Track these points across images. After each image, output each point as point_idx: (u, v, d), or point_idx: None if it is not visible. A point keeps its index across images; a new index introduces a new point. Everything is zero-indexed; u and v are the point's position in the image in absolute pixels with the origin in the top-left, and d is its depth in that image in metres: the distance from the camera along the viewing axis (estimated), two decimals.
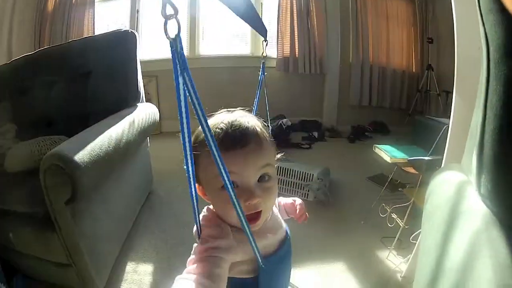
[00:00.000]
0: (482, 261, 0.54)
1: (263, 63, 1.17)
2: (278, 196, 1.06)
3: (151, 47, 4.36)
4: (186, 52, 4.64)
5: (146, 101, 2.59)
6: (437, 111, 4.18)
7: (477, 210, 0.61)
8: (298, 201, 1.14)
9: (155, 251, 2.11)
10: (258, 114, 1.02)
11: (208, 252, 0.75)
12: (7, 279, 1.55)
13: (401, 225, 1.99)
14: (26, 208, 1.54)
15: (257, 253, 0.79)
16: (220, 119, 0.83)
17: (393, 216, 2.10)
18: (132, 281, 1.84)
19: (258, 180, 0.82)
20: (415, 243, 1.70)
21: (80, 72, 2.34)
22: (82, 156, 1.44)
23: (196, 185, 0.78)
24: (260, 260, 0.81)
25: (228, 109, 0.89)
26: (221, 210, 0.84)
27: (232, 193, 0.69)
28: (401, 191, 2.35)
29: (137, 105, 2.38)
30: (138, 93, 2.45)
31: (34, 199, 1.50)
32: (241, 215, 0.70)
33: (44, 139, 1.86)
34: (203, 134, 0.70)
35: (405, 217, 1.99)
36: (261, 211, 0.82)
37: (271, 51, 4.85)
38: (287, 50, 4.70)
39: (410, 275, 1.82)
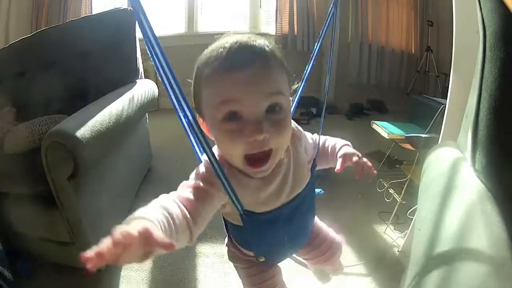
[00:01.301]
0: (476, 232, 0.57)
1: (331, 10, 0.96)
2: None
3: (150, 24, 4.32)
4: (184, 29, 4.63)
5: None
6: (435, 93, 4.16)
7: (471, 184, 0.64)
8: (349, 153, 0.95)
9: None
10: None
11: (193, 187, 0.72)
12: (11, 263, 1.57)
13: (398, 200, 2.02)
14: (27, 188, 1.56)
15: (237, 204, 0.76)
16: (227, 38, 0.71)
17: (390, 191, 2.13)
18: None
19: (266, 112, 0.69)
20: (412, 218, 1.72)
21: (79, 51, 2.34)
22: (83, 132, 1.46)
23: (201, 121, 0.76)
24: (242, 213, 0.78)
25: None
26: (222, 146, 0.74)
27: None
28: (398, 167, 2.38)
29: (136, 82, 2.38)
30: (137, 70, 2.45)
31: (36, 179, 1.51)
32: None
33: (44, 119, 1.86)
34: (200, 66, 0.71)
35: (402, 192, 2.02)
36: (271, 150, 0.71)
37: (270, 28, 4.81)
38: (286, 28, 4.66)
39: (407, 250, 1.84)
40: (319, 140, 0.96)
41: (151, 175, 2.78)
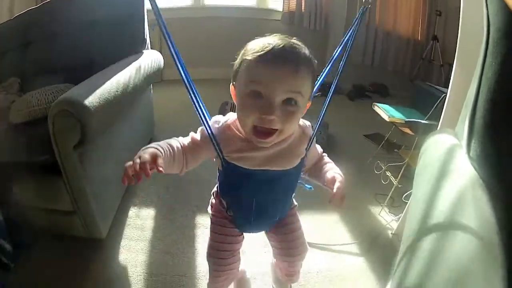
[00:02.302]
0: (466, 215, 0.60)
1: (363, 9, 1.13)
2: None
3: None
4: (190, 1, 4.58)
5: None
6: (438, 82, 4.16)
7: (465, 170, 0.66)
8: (339, 178, 1.04)
9: (156, 195, 2.19)
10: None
11: (192, 138, 0.99)
12: (10, 234, 1.58)
13: (394, 183, 2.06)
14: (32, 157, 1.56)
15: (219, 153, 0.97)
16: (277, 38, 0.87)
17: (387, 174, 2.17)
18: (135, 225, 1.92)
19: (283, 102, 0.85)
20: (407, 202, 1.76)
21: (86, 22, 2.34)
22: (91, 100, 1.47)
23: (232, 88, 0.96)
24: (222, 159, 0.98)
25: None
26: (239, 113, 0.92)
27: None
28: (397, 152, 2.42)
29: (143, 52, 2.39)
30: (144, 40, 2.45)
31: (41, 148, 1.52)
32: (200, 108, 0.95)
33: (50, 88, 1.87)
34: (247, 50, 0.89)
35: (399, 176, 2.05)
36: (275, 130, 0.88)
37: (277, 3, 4.77)
38: (293, 4, 4.62)
39: (400, 233, 1.87)
40: (316, 127, 1.10)
41: None
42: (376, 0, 4.62)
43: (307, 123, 1.07)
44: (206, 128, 0.95)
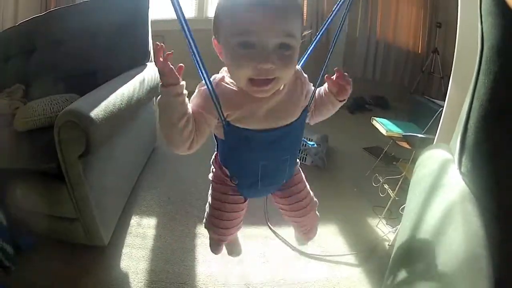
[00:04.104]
0: (455, 227, 0.62)
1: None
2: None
3: (159, 7, 4.31)
4: (193, 13, 4.62)
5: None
6: (438, 94, 4.18)
7: (456, 184, 0.69)
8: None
9: (158, 205, 2.20)
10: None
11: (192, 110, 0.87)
12: (13, 238, 1.60)
13: (392, 196, 2.07)
14: (36, 165, 1.58)
15: (221, 115, 0.88)
16: None
17: (385, 186, 2.19)
18: (136, 234, 1.94)
19: (278, 48, 0.78)
20: None
21: (90, 32, 2.36)
22: (97, 112, 1.51)
23: (215, 43, 0.89)
24: (224, 123, 0.90)
25: None
26: (230, 68, 0.86)
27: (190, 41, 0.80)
28: (395, 164, 2.44)
29: (147, 64, 2.42)
30: (148, 52, 2.49)
31: (45, 156, 1.55)
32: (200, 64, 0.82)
33: (56, 97, 1.89)
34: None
35: (396, 188, 2.07)
36: (273, 78, 0.81)
37: None
38: None
39: None
40: (318, 83, 1.04)
41: (155, 155, 2.83)
42: (377, 14, 4.67)
43: (297, 66, 0.99)
44: (207, 83, 0.85)
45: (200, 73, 0.84)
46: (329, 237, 2.01)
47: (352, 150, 3.26)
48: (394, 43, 4.85)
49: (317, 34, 1.05)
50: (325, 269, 1.76)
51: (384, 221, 2.14)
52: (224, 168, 1.07)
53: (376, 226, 2.12)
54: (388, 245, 1.97)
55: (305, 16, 4.65)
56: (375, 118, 2.53)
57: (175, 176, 2.55)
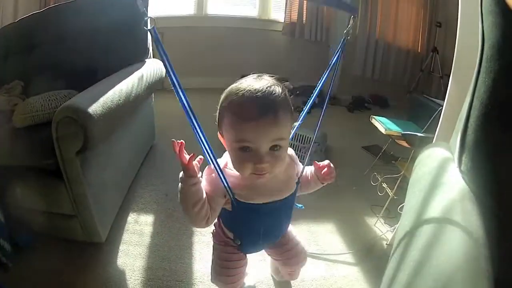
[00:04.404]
0: (454, 227, 0.61)
1: (344, 40, 1.20)
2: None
3: (158, 4, 4.31)
4: (192, 10, 4.61)
5: None
6: (438, 93, 4.17)
7: (455, 183, 0.68)
8: (326, 162, 1.22)
9: (156, 202, 2.20)
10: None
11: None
12: (11, 235, 1.60)
13: (390, 195, 2.07)
14: (35, 161, 1.58)
15: (230, 194, 1.03)
16: (246, 84, 0.94)
17: (383, 185, 2.18)
18: (134, 231, 1.94)
19: (270, 148, 0.95)
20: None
21: (90, 28, 2.35)
22: (95, 108, 1.50)
23: (220, 136, 1.05)
24: (232, 200, 1.05)
25: (258, 74, 1.00)
26: (234, 164, 1.01)
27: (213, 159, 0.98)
28: (394, 163, 2.44)
29: (145, 61, 2.42)
30: (147, 49, 2.49)
31: (44, 152, 1.55)
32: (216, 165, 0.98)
33: (54, 93, 1.88)
34: (230, 97, 0.94)
35: (395, 187, 2.07)
36: (266, 173, 0.98)
37: (279, 15, 4.82)
38: (294, 16, 4.66)
39: None
40: (304, 165, 1.22)
41: (154, 153, 2.83)
42: (377, 13, 4.66)
43: (290, 151, 1.17)
44: (217, 171, 1.00)
45: (210, 161, 1.00)
46: (326, 235, 2.01)
47: (351, 149, 3.26)
48: (394, 42, 4.85)
49: (311, 97, 1.25)
50: (322, 268, 1.76)
51: (382, 220, 2.15)
52: (227, 232, 1.23)
53: (374, 225, 2.13)
54: (386, 244, 1.97)
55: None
56: (374, 116, 2.53)
57: (173, 173, 2.50)
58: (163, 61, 0.90)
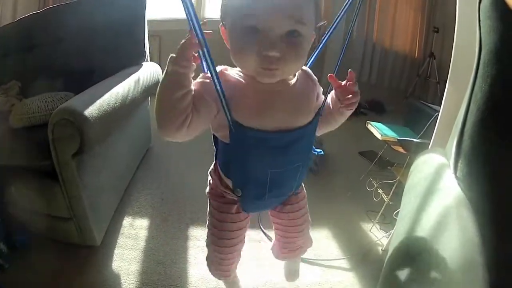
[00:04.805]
0: (450, 233, 0.62)
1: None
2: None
3: (156, 7, 4.30)
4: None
5: None
6: (434, 99, 4.18)
7: (451, 189, 0.68)
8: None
9: (151, 206, 2.19)
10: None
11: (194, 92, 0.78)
12: (6, 236, 1.60)
13: (386, 200, 2.07)
14: (31, 162, 1.58)
15: (226, 111, 0.79)
16: None
17: (379, 191, 2.18)
18: (129, 235, 1.93)
19: (285, 35, 0.73)
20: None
21: (88, 31, 2.35)
22: (91, 111, 1.50)
23: (222, 29, 0.82)
24: (230, 122, 0.81)
25: None
26: (235, 55, 0.79)
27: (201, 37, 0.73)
28: (389, 169, 2.44)
29: (142, 64, 2.42)
30: (144, 52, 2.48)
31: (39, 154, 1.54)
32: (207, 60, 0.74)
33: (51, 95, 1.88)
34: None
35: (391, 193, 2.07)
36: (277, 69, 0.75)
37: None
38: None
39: None
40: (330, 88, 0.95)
41: (149, 156, 2.82)
42: (375, 17, 4.68)
43: (306, 68, 0.95)
44: (214, 78, 0.77)
45: (205, 62, 0.77)
46: (322, 241, 2.00)
47: (347, 154, 3.26)
48: (391, 47, 4.86)
49: (326, 33, 0.97)
50: (317, 273, 1.76)
51: (378, 226, 2.14)
52: (225, 179, 0.99)
53: (370, 230, 2.12)
54: (382, 250, 1.96)
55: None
56: (370, 122, 2.53)
57: (169, 177, 2.54)
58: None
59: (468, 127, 0.67)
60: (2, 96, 2.02)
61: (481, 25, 0.65)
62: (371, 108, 4.72)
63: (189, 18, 0.73)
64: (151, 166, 2.68)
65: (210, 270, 1.23)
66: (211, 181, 1.06)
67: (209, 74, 0.78)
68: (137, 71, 2.22)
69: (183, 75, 0.74)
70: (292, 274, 1.46)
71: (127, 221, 2.04)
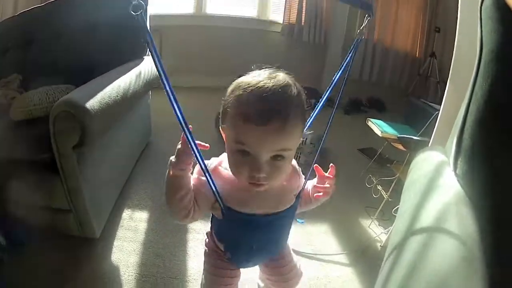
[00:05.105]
0: (449, 229, 0.62)
1: (358, 40, 1.04)
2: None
3: (157, 2, 4.29)
4: (192, 9, 4.61)
5: None
6: (434, 98, 4.18)
7: (451, 186, 0.69)
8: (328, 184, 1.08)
9: (150, 199, 2.20)
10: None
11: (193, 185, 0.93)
12: (5, 229, 1.60)
13: (385, 197, 2.08)
14: (31, 155, 1.58)
15: (219, 200, 0.92)
16: (257, 80, 0.81)
17: (378, 187, 2.19)
18: (128, 227, 1.93)
19: (271, 157, 0.82)
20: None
21: (89, 24, 2.35)
22: (92, 103, 1.50)
23: (221, 129, 0.91)
24: (222, 207, 0.93)
25: (274, 69, 0.87)
26: (230, 166, 0.90)
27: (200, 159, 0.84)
28: (389, 166, 2.45)
29: (144, 58, 2.42)
30: (145, 46, 2.48)
31: (40, 146, 1.54)
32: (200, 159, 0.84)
33: (52, 88, 1.88)
34: (237, 91, 0.81)
35: (390, 190, 2.08)
36: (263, 184, 0.86)
37: (278, 15, 4.83)
38: (293, 17, 4.67)
39: None
40: (307, 176, 1.08)
41: (149, 150, 2.83)
42: (376, 14, 4.67)
43: (293, 162, 1.03)
44: (206, 175, 0.89)
45: (199, 163, 0.87)
46: (320, 236, 2.01)
47: (347, 151, 3.26)
48: (392, 45, 4.87)
49: (322, 98, 1.09)
50: (316, 268, 1.77)
51: (377, 222, 2.15)
52: (217, 242, 1.11)
53: (368, 226, 2.14)
54: (380, 246, 1.98)
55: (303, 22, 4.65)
56: (370, 119, 2.54)
57: None
58: (150, 51, 0.77)
59: (468, 125, 0.67)
60: (3, 89, 2.02)
61: (482, 25, 0.66)
62: (371, 106, 4.73)
63: (183, 127, 0.81)
64: (151, 159, 2.69)
65: None
66: (207, 240, 1.18)
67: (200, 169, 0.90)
68: (139, 64, 2.22)
69: (180, 177, 0.87)
70: None
71: (126, 213, 2.05)
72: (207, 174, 0.88)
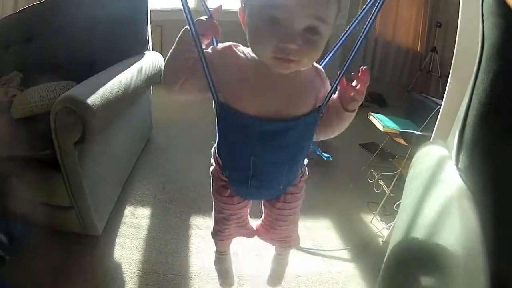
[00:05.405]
0: (452, 223, 0.62)
1: None
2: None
3: None
4: (192, 3, 4.59)
5: None
6: (436, 93, 4.18)
7: (453, 180, 0.69)
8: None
9: (152, 195, 2.20)
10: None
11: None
12: (7, 227, 1.61)
13: (387, 192, 2.08)
14: (32, 152, 1.58)
15: (213, 91, 0.84)
16: None
17: (380, 182, 2.19)
18: (130, 224, 1.94)
19: (304, 30, 0.71)
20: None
21: (89, 20, 2.35)
22: (94, 99, 1.50)
23: (240, 12, 0.81)
24: (217, 102, 0.85)
25: None
26: (251, 41, 0.78)
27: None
28: (391, 161, 2.44)
29: (145, 53, 2.41)
30: (146, 41, 2.48)
31: (41, 143, 1.54)
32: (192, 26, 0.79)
33: (53, 85, 1.88)
34: None
35: (392, 185, 2.08)
36: (293, 60, 0.74)
37: None
38: None
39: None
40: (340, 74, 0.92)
41: (150, 145, 2.82)
42: None
43: (319, 66, 0.93)
44: (191, 30, 0.80)
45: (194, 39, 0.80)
46: (322, 231, 2.01)
47: (348, 146, 3.25)
48: (393, 40, 4.85)
49: (343, 34, 0.97)
50: (318, 263, 1.77)
51: (379, 217, 2.15)
52: (219, 159, 1.01)
53: (371, 222, 2.14)
54: (382, 241, 1.98)
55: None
56: (372, 113, 2.54)
57: (170, 166, 2.55)
58: None
59: (470, 120, 0.67)
60: (4, 87, 2.02)
61: (484, 20, 0.65)
62: (372, 101, 4.72)
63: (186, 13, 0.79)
64: (153, 155, 2.69)
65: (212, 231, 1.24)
66: (212, 160, 1.07)
67: (218, 46, 0.87)
68: (140, 60, 2.21)
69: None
70: (274, 278, 1.42)
71: (128, 210, 2.05)
72: (203, 61, 0.80)
